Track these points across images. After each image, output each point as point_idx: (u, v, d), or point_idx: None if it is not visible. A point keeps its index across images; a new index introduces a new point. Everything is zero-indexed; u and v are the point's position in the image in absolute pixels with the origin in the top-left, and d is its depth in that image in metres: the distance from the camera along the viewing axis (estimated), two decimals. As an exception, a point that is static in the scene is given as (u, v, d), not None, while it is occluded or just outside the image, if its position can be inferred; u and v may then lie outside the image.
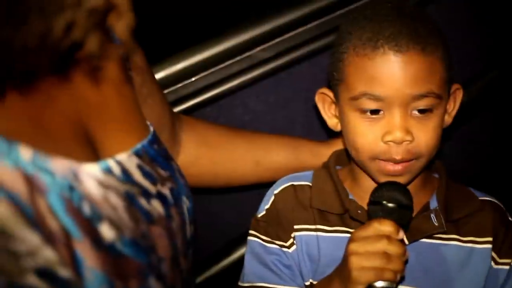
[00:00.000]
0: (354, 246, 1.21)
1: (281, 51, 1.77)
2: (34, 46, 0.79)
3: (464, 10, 1.94)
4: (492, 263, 1.36)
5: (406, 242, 1.28)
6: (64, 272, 0.83)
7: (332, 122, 1.40)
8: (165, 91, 1.66)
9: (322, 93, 1.40)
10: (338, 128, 1.39)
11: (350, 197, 1.38)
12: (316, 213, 1.39)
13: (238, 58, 1.74)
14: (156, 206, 1.05)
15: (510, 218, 1.42)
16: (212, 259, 1.78)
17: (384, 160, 1.28)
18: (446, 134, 1.90)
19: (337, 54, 1.32)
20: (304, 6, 1.76)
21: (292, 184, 1.44)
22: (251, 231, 1.45)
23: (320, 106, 1.41)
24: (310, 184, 1.43)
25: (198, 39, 1.74)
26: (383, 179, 1.30)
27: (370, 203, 1.26)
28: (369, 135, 1.28)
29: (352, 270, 1.19)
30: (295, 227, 1.39)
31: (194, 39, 1.74)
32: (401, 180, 1.30)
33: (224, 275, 1.72)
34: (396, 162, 1.27)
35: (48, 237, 0.83)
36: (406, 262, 1.24)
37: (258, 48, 1.75)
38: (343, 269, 1.24)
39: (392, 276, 1.18)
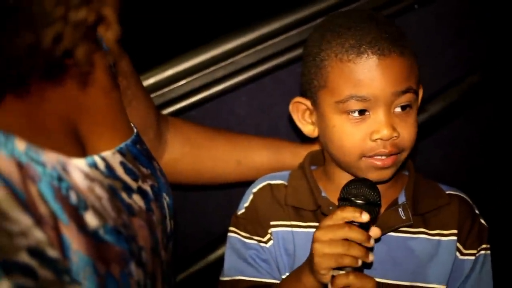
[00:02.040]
0: (317, 234, 1.30)
1: (264, 57, 1.87)
2: (26, 55, 0.90)
3: (444, 18, 2.04)
4: (458, 254, 1.44)
5: (374, 237, 1.33)
6: (52, 253, 0.94)
7: (308, 129, 1.48)
8: (154, 95, 1.78)
9: (297, 102, 1.48)
10: (314, 134, 1.47)
11: (323, 194, 1.47)
12: (291, 210, 1.49)
13: (223, 64, 1.85)
14: (137, 200, 1.16)
15: (476, 211, 1.50)
16: (197, 256, 1.86)
17: (372, 157, 1.37)
18: (426, 137, 2.01)
19: (315, 62, 1.40)
20: (286, 16, 1.87)
21: (269, 183, 1.54)
22: (231, 228, 1.54)
23: (294, 115, 1.49)
24: (286, 183, 1.52)
25: (186, 46, 1.85)
26: (370, 176, 1.39)
27: (340, 199, 1.33)
28: (357, 135, 1.36)
29: (315, 256, 1.29)
30: (272, 223, 1.49)
31: (181, 47, 1.86)
32: (389, 173, 1.39)
33: (208, 271, 1.80)
34: (385, 155, 1.37)
35: (39, 220, 0.94)
36: (371, 249, 1.31)
37: (242, 55, 1.85)
38: (310, 257, 1.33)
39: (353, 262, 1.26)
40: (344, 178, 1.43)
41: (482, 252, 1.47)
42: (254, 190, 1.55)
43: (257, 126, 1.93)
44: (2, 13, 0.86)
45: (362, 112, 1.35)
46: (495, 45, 2.07)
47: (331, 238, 1.28)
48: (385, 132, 1.34)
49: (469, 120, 2.14)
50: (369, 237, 1.29)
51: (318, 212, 1.47)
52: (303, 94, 1.47)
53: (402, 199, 1.47)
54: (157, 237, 1.20)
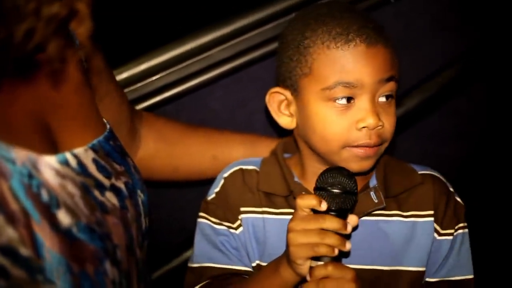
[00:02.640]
0: (291, 224, 1.31)
1: (239, 52, 1.87)
2: None
3: (420, 11, 2.05)
4: (435, 235, 1.45)
5: (353, 224, 1.32)
6: (25, 251, 0.94)
7: (285, 120, 1.47)
8: (128, 90, 1.77)
9: (276, 92, 1.46)
10: (292, 125, 1.46)
11: (296, 179, 1.47)
12: (262, 196, 1.49)
13: (197, 58, 1.84)
14: (110, 198, 1.15)
15: (451, 189, 1.51)
16: (172, 253, 1.87)
17: (356, 147, 1.37)
18: (404, 131, 2.02)
19: (298, 50, 1.39)
20: (262, 9, 1.87)
21: (241, 168, 1.54)
22: (201, 213, 1.53)
23: (271, 106, 1.48)
24: (258, 169, 1.53)
25: (159, 40, 1.85)
26: (352, 166, 1.38)
27: (316, 188, 1.33)
28: (342, 123, 1.36)
29: (290, 246, 1.29)
30: (242, 209, 1.49)
31: (156, 41, 1.85)
32: (370, 163, 1.40)
33: (184, 269, 1.74)
34: (369, 146, 1.37)
35: (10, 218, 0.94)
36: (348, 237, 1.32)
37: (217, 49, 1.85)
38: (286, 248, 1.33)
39: (329, 251, 1.27)
40: (318, 168, 1.43)
41: (460, 231, 1.47)
42: (225, 175, 1.54)
43: (232, 121, 1.93)
44: None
45: (349, 99, 1.35)
46: (471, 38, 2.09)
47: (304, 228, 1.28)
48: (371, 121, 1.35)
49: (446, 113, 2.15)
50: (345, 225, 1.29)
51: (290, 198, 1.47)
52: (281, 84, 1.46)
53: (373, 182, 1.47)
54: (132, 235, 1.20)
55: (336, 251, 1.28)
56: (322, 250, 1.27)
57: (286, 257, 1.33)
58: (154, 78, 1.83)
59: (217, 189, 1.54)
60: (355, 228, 1.38)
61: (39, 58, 0.99)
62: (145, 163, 1.56)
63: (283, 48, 1.45)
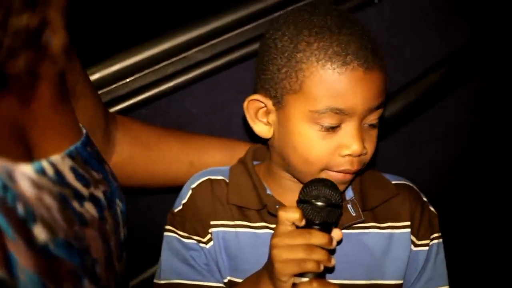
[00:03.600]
0: (274, 241, 1.26)
1: (218, 53, 1.82)
2: None
3: (403, 14, 2.02)
4: (412, 246, 1.43)
5: (337, 239, 1.30)
6: None
7: (261, 128, 1.41)
8: (101, 92, 1.71)
9: (255, 100, 1.40)
10: (268, 135, 1.41)
11: (268, 192, 1.42)
12: (234, 209, 1.44)
13: (174, 59, 1.80)
14: (89, 209, 1.10)
15: (424, 199, 1.49)
16: (148, 261, 1.82)
17: (336, 171, 1.34)
18: (385, 136, 2.00)
19: (289, 63, 1.33)
20: (242, 8, 1.82)
21: (209, 178, 1.48)
22: (167, 227, 1.48)
23: (248, 112, 1.42)
24: (227, 180, 1.47)
25: (134, 40, 1.79)
26: None
27: (299, 201, 1.30)
28: (325, 148, 1.32)
29: (275, 262, 1.25)
30: (212, 222, 1.43)
31: (130, 40, 1.79)
32: (345, 186, 1.37)
33: None
34: (350, 173, 1.34)
35: None
36: (332, 252, 1.29)
37: (195, 50, 1.80)
38: (268, 263, 1.29)
39: (315, 267, 1.23)
40: (288, 178, 1.42)
41: (435, 241, 1.46)
42: (193, 185, 1.48)
43: (210, 125, 1.88)
44: None
45: (333, 127, 1.31)
46: (456, 42, 2.06)
47: (289, 244, 1.25)
48: (356, 148, 1.31)
49: (427, 118, 2.13)
50: (331, 240, 1.26)
51: (263, 211, 1.43)
52: (262, 91, 1.39)
53: (349, 194, 1.44)
54: (110, 248, 1.15)
55: (322, 267, 1.24)
56: (309, 266, 1.23)
57: (268, 273, 1.29)
58: (128, 79, 1.78)
59: (184, 201, 1.47)
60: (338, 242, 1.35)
61: (8, 73, 0.92)
62: (119, 168, 1.50)
63: (270, 54, 1.37)
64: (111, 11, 1.80)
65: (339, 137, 1.31)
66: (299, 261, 1.23)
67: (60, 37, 0.91)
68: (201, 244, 1.43)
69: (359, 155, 1.32)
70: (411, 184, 1.51)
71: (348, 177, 1.35)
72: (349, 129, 1.31)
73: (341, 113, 1.29)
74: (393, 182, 1.49)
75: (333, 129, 1.31)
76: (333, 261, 1.26)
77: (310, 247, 1.24)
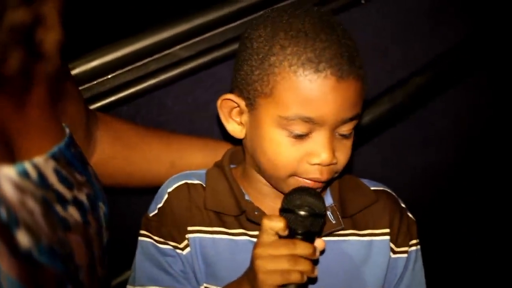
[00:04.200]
0: (257, 251, 1.24)
1: (201, 50, 1.80)
2: None
3: (389, 15, 2.01)
4: (391, 253, 1.42)
5: (320, 248, 1.28)
6: None
7: (234, 128, 1.39)
8: (80, 88, 1.65)
9: (228, 99, 1.38)
10: (241, 135, 1.39)
11: (246, 197, 1.40)
12: (211, 214, 1.41)
13: (156, 56, 1.77)
14: (73, 213, 1.07)
15: (402, 205, 1.48)
16: (128, 263, 1.77)
17: (305, 178, 1.32)
18: (369, 139, 1.99)
19: (262, 65, 1.31)
20: (228, 5, 1.80)
21: (186, 182, 1.45)
22: (142, 231, 1.44)
23: (222, 111, 1.40)
24: (203, 184, 1.44)
25: (116, 35, 1.76)
26: None
27: (282, 210, 1.28)
28: (294, 154, 1.30)
29: (258, 273, 1.22)
30: (189, 228, 1.40)
31: (112, 36, 1.76)
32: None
33: None
34: (319, 181, 1.32)
35: None
36: (316, 262, 1.27)
37: (178, 47, 1.77)
38: (250, 273, 1.27)
39: (299, 278, 1.21)
40: (264, 183, 1.40)
41: (413, 248, 1.45)
42: (169, 189, 1.44)
43: (192, 123, 1.86)
44: None
45: (302, 135, 1.29)
46: (442, 45, 2.06)
47: (273, 254, 1.23)
48: (325, 157, 1.29)
49: (411, 122, 2.12)
50: (315, 250, 1.24)
51: (242, 217, 1.40)
52: (236, 91, 1.38)
53: (329, 200, 1.42)
54: (94, 253, 1.12)
55: (305, 278, 1.23)
56: (293, 277, 1.21)
57: (250, 283, 1.27)
58: (109, 76, 1.74)
59: (160, 205, 1.43)
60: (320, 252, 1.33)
61: (1, 73, 0.87)
62: (100, 168, 1.46)
63: (246, 53, 1.35)
64: (94, 3, 1.76)
65: (308, 145, 1.29)
66: (283, 272, 1.21)
67: (55, 34, 0.87)
68: (178, 250, 1.40)
69: (328, 165, 1.30)
70: (389, 190, 1.49)
71: (318, 185, 1.33)
72: (319, 138, 1.29)
73: (311, 122, 1.27)
74: (372, 188, 1.47)
75: (302, 137, 1.29)
76: (316, 272, 1.24)
77: (294, 257, 1.22)
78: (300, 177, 1.32)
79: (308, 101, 1.26)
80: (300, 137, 1.29)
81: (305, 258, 1.23)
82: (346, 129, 1.31)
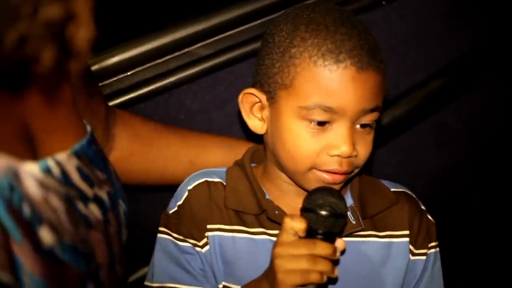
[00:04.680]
0: (278, 250, 1.23)
1: (221, 49, 1.79)
2: None
3: (409, 17, 2.00)
4: (410, 255, 1.42)
5: (340, 249, 1.28)
6: (4, 277, 0.84)
7: (255, 124, 1.40)
8: (100, 84, 1.66)
9: (250, 93, 1.39)
10: (262, 130, 1.39)
11: (267, 197, 1.40)
12: (231, 213, 1.41)
13: (176, 53, 1.76)
14: (94, 210, 1.06)
15: (422, 207, 1.48)
16: (142, 260, 1.75)
17: (324, 171, 1.31)
18: (386, 141, 1.98)
19: (283, 57, 1.32)
20: (248, 4, 1.79)
21: (206, 180, 1.44)
22: (161, 228, 1.44)
23: (243, 106, 1.41)
24: (224, 183, 1.44)
25: (136, 32, 1.75)
26: (315, 187, 1.32)
27: (303, 209, 1.28)
28: (313, 146, 1.30)
29: (278, 272, 1.22)
30: (209, 226, 1.40)
31: (132, 33, 1.75)
32: (335, 188, 1.33)
33: None
34: (339, 173, 1.31)
35: None
36: (336, 262, 1.27)
37: (198, 45, 1.77)
38: (269, 273, 1.26)
39: (319, 278, 1.21)
40: (285, 181, 1.40)
41: (432, 250, 1.45)
42: (190, 187, 1.44)
43: (209, 122, 1.85)
44: None
45: (322, 123, 1.28)
46: (459, 50, 2.06)
47: (293, 254, 1.22)
48: (345, 149, 1.28)
49: (428, 125, 2.12)
50: (335, 250, 1.24)
51: (262, 216, 1.40)
52: (258, 86, 1.38)
53: (349, 201, 1.41)
54: (113, 252, 1.11)
55: (325, 278, 1.22)
56: (313, 277, 1.21)
57: (269, 283, 1.26)
58: (128, 73, 1.74)
59: (179, 202, 1.43)
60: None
61: (30, 71, 0.86)
62: (118, 165, 1.45)
63: (268, 48, 1.36)
64: (115, 1, 1.76)
65: (328, 136, 1.29)
66: (302, 272, 1.21)
67: (87, 31, 0.85)
68: (197, 248, 1.40)
69: (347, 157, 1.29)
70: (409, 192, 1.49)
71: (337, 179, 1.32)
72: (339, 129, 1.29)
73: (331, 112, 1.27)
74: (392, 189, 1.47)
75: (322, 126, 1.28)
76: (336, 272, 1.24)
77: (314, 257, 1.21)
78: (319, 169, 1.31)
79: (328, 91, 1.26)
80: (320, 126, 1.28)
81: (325, 258, 1.22)
82: (366, 120, 1.30)
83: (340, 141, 1.28)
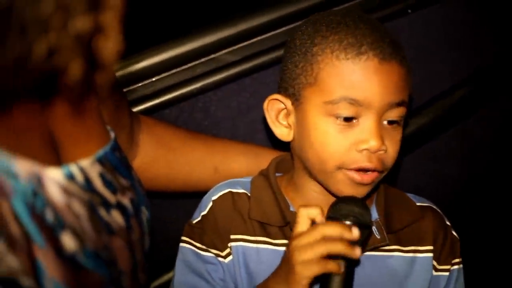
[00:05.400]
0: (294, 242, 1.21)
1: (247, 56, 1.79)
2: (10, 67, 0.77)
3: (435, 26, 1.99)
4: (433, 271, 1.40)
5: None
6: (26, 282, 0.84)
7: (281, 131, 1.39)
8: (124, 90, 1.66)
9: (275, 99, 1.38)
10: (288, 138, 1.38)
11: (291, 209, 1.38)
12: (256, 224, 1.40)
13: (202, 60, 1.76)
14: (116, 217, 1.05)
15: (447, 222, 1.46)
16: (165, 267, 1.78)
17: (353, 170, 1.29)
18: (412, 149, 1.96)
19: (305, 57, 1.32)
20: (274, 11, 1.79)
21: (231, 191, 1.43)
22: (184, 238, 1.43)
23: (269, 114, 1.40)
24: (248, 193, 1.43)
25: (161, 38, 1.75)
26: (344, 191, 1.31)
27: (328, 218, 1.26)
28: (341, 142, 1.29)
29: (295, 265, 1.20)
30: (232, 237, 1.39)
31: (158, 38, 1.75)
32: (365, 190, 1.32)
33: None
34: (366, 170, 1.29)
35: (11, 244, 0.84)
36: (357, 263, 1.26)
37: (224, 51, 1.76)
38: (281, 271, 1.25)
39: (336, 267, 1.18)
40: (313, 189, 1.39)
41: (456, 266, 1.43)
42: (214, 197, 1.43)
43: (234, 129, 1.84)
44: None
45: (349, 119, 1.28)
46: (485, 59, 2.03)
47: (308, 241, 1.20)
48: (374, 143, 1.27)
49: (453, 134, 2.09)
50: (348, 229, 1.22)
51: (286, 228, 1.39)
52: (282, 91, 1.38)
53: (374, 215, 1.40)
54: (136, 259, 1.10)
55: (342, 268, 1.19)
56: (330, 266, 1.19)
57: (284, 280, 1.24)
58: (153, 79, 1.74)
59: (204, 212, 1.42)
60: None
61: (57, 83, 0.87)
62: (142, 171, 1.45)
63: (290, 53, 1.37)
64: (140, 6, 1.76)
65: (356, 132, 1.28)
66: (319, 260, 1.19)
67: (115, 43, 0.85)
68: (219, 258, 1.39)
69: (377, 151, 1.28)
70: (435, 207, 1.47)
71: (366, 178, 1.30)
72: (366, 123, 1.28)
73: (357, 104, 1.26)
74: (418, 203, 1.46)
75: (349, 121, 1.28)
76: (358, 252, 1.20)
77: (328, 239, 1.19)
78: (348, 168, 1.29)
79: (352, 84, 1.26)
80: (347, 121, 1.28)
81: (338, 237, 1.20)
82: (393, 115, 1.30)
83: (368, 135, 1.27)
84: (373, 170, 1.30)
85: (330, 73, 1.28)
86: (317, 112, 1.30)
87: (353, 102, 1.26)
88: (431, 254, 1.40)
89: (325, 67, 1.29)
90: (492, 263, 2.22)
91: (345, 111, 1.27)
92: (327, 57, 1.29)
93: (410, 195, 1.47)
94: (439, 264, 1.41)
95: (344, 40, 1.28)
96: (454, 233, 1.46)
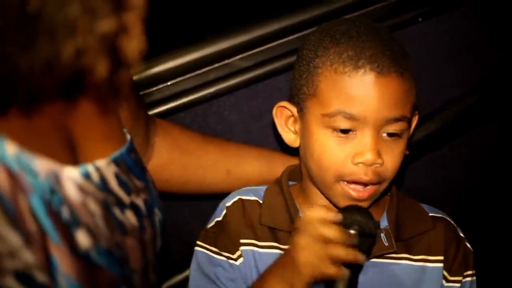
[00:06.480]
0: (297, 239, 1.20)
1: (260, 62, 1.79)
2: (39, 69, 0.79)
3: (445, 34, 1.98)
4: (443, 281, 1.39)
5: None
6: (41, 277, 0.85)
7: (290, 137, 1.41)
8: (140, 93, 1.65)
9: (282, 106, 1.40)
10: (296, 144, 1.40)
11: (300, 214, 1.38)
12: (265, 230, 1.41)
13: (216, 65, 1.76)
14: (130, 217, 1.07)
15: (461, 234, 1.45)
16: (176, 268, 1.78)
17: (350, 182, 1.30)
18: (419, 156, 1.96)
19: (308, 68, 1.33)
20: (287, 18, 1.79)
21: (241, 198, 1.45)
22: (199, 242, 1.45)
23: (277, 120, 1.42)
24: (260, 201, 1.44)
25: (176, 43, 1.76)
26: (344, 204, 1.32)
27: None
28: (338, 154, 1.29)
29: (300, 263, 1.18)
30: (242, 241, 1.40)
31: (173, 43, 1.76)
32: (363, 205, 1.32)
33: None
34: (363, 184, 1.30)
35: (28, 239, 0.85)
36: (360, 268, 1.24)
37: (237, 57, 1.77)
38: (282, 265, 1.23)
39: (338, 271, 1.16)
40: (320, 197, 1.39)
41: (468, 278, 1.42)
42: (228, 204, 1.46)
43: (247, 134, 1.85)
44: (20, 22, 0.75)
45: (346, 131, 1.28)
46: (496, 68, 2.03)
47: (309, 241, 1.19)
48: (369, 157, 1.28)
49: (461, 141, 2.09)
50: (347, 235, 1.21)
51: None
52: (291, 99, 1.40)
53: (384, 223, 1.40)
54: (147, 259, 1.12)
55: (346, 273, 1.18)
56: (333, 270, 1.17)
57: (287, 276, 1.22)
58: (168, 83, 1.74)
59: (218, 218, 1.45)
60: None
61: (85, 81, 0.89)
62: (156, 173, 1.46)
63: (297, 62, 1.39)
64: (156, 12, 1.77)
65: (352, 145, 1.29)
66: (322, 262, 1.17)
67: (138, 43, 0.87)
68: (231, 261, 1.40)
69: (372, 165, 1.28)
70: (448, 218, 1.47)
71: (363, 195, 1.31)
72: (363, 137, 1.28)
73: (352, 119, 1.26)
74: (430, 214, 1.45)
75: (346, 133, 1.28)
76: (361, 258, 1.19)
77: (330, 244, 1.17)
78: (346, 180, 1.30)
79: (348, 98, 1.27)
80: (344, 133, 1.28)
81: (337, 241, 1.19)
82: (392, 128, 1.29)
83: (363, 148, 1.28)
84: (369, 184, 1.30)
85: (329, 86, 1.29)
86: (317, 123, 1.31)
87: (349, 116, 1.27)
88: (441, 264, 1.40)
89: (324, 80, 1.30)
90: (503, 271, 2.21)
91: (341, 124, 1.28)
92: (326, 70, 1.29)
93: (425, 206, 1.47)
94: (451, 275, 1.40)
95: (344, 53, 1.28)
96: (468, 245, 1.45)
